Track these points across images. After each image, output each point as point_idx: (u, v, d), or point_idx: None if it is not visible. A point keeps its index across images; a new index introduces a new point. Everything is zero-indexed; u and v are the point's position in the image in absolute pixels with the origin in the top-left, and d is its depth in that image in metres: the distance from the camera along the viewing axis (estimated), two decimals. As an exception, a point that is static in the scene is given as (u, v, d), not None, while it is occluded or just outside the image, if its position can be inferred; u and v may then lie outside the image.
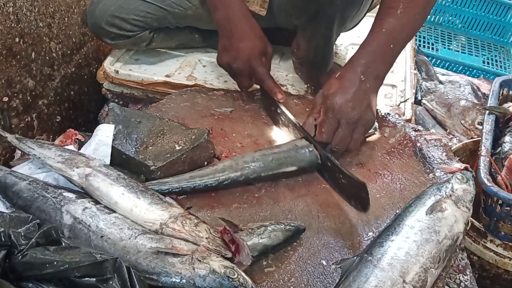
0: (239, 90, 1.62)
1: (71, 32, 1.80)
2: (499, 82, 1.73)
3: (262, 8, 1.69)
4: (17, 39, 1.48)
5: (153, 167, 1.22)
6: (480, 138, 1.54)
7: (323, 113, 1.27)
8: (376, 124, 1.42)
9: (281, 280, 1.05)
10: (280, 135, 1.43)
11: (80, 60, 1.90)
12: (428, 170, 1.32)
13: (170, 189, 1.20)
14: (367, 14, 1.83)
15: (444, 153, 1.36)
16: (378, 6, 1.45)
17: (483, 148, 1.46)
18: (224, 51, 1.48)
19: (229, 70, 1.50)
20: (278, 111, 1.45)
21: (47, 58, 1.67)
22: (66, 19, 1.75)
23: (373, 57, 1.28)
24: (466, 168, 1.23)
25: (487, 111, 1.61)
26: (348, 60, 1.31)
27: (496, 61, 2.66)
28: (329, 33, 1.57)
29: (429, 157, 1.36)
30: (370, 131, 1.40)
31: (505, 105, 1.67)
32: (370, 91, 1.27)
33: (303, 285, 1.04)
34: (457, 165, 1.30)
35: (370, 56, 1.28)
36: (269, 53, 1.50)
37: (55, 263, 0.81)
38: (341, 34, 1.89)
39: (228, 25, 1.46)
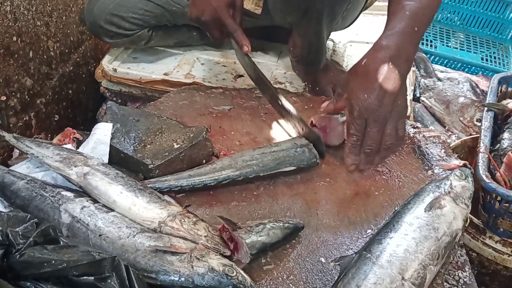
0: (237, 88, 1.62)
1: (69, 31, 1.80)
2: (497, 79, 1.72)
3: (257, 6, 1.69)
4: (14, 38, 1.48)
5: (151, 165, 1.22)
6: (478, 135, 1.53)
7: (348, 113, 1.18)
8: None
9: (280, 278, 1.05)
10: (279, 133, 1.43)
11: (78, 59, 1.90)
12: (426, 167, 1.32)
13: (169, 188, 1.20)
14: (365, 12, 1.83)
15: (443, 150, 1.37)
16: (374, 4, 1.45)
17: (481, 145, 1.46)
18: (193, 5, 1.47)
19: (199, 23, 1.48)
20: (248, 62, 1.50)
21: (45, 57, 1.66)
22: (63, 17, 1.75)
23: (401, 39, 1.18)
24: (464, 165, 1.23)
25: (486, 108, 1.61)
26: (374, 43, 1.20)
27: (495, 58, 2.65)
28: (319, 29, 1.57)
29: (427, 154, 1.36)
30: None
31: (504, 102, 1.66)
32: (399, 79, 1.15)
33: (302, 282, 1.04)
34: (456, 162, 1.30)
35: (398, 38, 1.18)
36: (238, 6, 1.46)
37: (53, 262, 0.81)
38: (339, 32, 1.89)
39: None
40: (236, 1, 1.46)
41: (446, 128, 2.05)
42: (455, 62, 2.59)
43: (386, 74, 1.14)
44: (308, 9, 1.53)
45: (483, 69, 2.54)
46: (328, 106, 1.28)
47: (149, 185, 1.17)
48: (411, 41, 1.20)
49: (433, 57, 2.59)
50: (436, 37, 2.74)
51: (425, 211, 1.08)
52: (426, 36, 2.72)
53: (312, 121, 1.35)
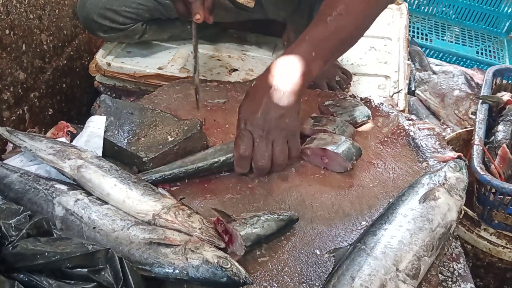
0: (232, 82, 1.61)
1: (62, 24, 1.79)
2: (492, 72, 1.73)
3: (250, 0, 1.69)
4: (7, 31, 1.47)
5: (146, 158, 1.21)
6: (473, 128, 1.54)
7: (236, 127, 1.22)
8: (369, 112, 1.42)
9: (274, 270, 1.04)
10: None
11: (71, 53, 1.89)
12: (421, 159, 1.32)
13: (163, 176, 1.20)
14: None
15: (437, 142, 1.36)
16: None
17: (476, 137, 1.46)
18: None
19: None
20: (194, 33, 1.47)
21: (38, 50, 1.66)
22: (57, 11, 1.74)
23: (291, 65, 1.19)
24: (459, 157, 1.23)
25: (480, 101, 1.61)
26: (267, 67, 1.23)
27: (490, 51, 2.66)
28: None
29: (422, 146, 1.36)
30: (363, 119, 1.41)
31: (498, 94, 1.67)
32: (284, 99, 1.17)
33: (296, 274, 1.04)
34: (450, 153, 1.30)
35: (287, 63, 1.20)
36: None
37: (46, 254, 0.81)
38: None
39: None
40: None
41: (441, 121, 2.05)
42: (450, 56, 2.60)
43: (271, 94, 1.17)
44: (301, 3, 1.52)
45: (478, 63, 2.55)
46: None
47: (143, 178, 1.16)
48: (304, 67, 1.19)
49: (428, 50, 2.60)
50: (432, 31, 2.75)
51: (419, 203, 1.07)
52: (422, 30, 2.73)
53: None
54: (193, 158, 1.24)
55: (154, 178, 1.19)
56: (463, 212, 1.14)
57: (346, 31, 1.24)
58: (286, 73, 1.19)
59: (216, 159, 1.24)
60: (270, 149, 1.20)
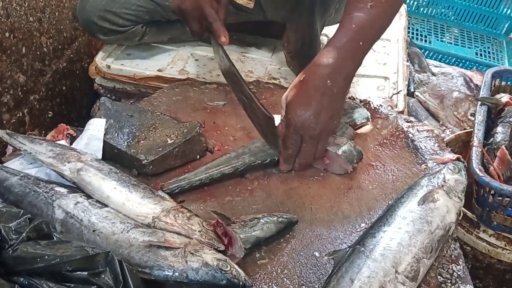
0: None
1: (62, 27, 1.79)
2: (491, 73, 1.73)
3: (250, 0, 1.69)
4: (7, 34, 1.47)
5: (145, 161, 1.22)
6: (472, 129, 1.54)
7: (284, 127, 1.21)
8: (368, 114, 1.42)
9: (274, 272, 1.05)
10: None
11: (71, 55, 1.89)
12: (420, 161, 1.32)
13: (189, 184, 1.21)
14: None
15: (436, 144, 1.37)
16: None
17: (475, 138, 1.46)
18: None
19: (179, 13, 1.43)
20: (221, 55, 1.42)
21: (38, 53, 1.66)
22: (56, 13, 1.74)
23: (342, 55, 1.18)
24: (458, 159, 1.23)
25: (479, 102, 1.62)
26: (315, 57, 1.21)
27: (489, 52, 2.67)
28: (312, 21, 1.56)
29: (421, 148, 1.36)
30: (362, 121, 1.41)
31: (497, 96, 1.67)
32: (336, 97, 1.18)
33: (296, 276, 1.04)
34: (449, 155, 1.30)
35: (339, 54, 1.18)
36: (223, 1, 1.42)
37: (46, 257, 0.81)
38: (334, 26, 1.89)
39: None
40: None
41: (440, 122, 2.06)
42: (450, 57, 2.60)
43: (323, 92, 1.16)
44: (299, 2, 1.52)
45: (477, 64, 2.56)
46: (279, 129, 1.27)
47: (170, 187, 1.18)
48: (353, 56, 1.20)
49: (427, 52, 2.60)
50: (431, 32, 2.75)
51: (418, 205, 1.08)
52: (421, 31, 2.74)
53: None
54: (216, 162, 1.25)
55: (180, 187, 1.20)
56: (462, 214, 1.14)
57: (385, 18, 1.26)
58: (338, 68, 1.17)
59: (241, 162, 1.25)
60: (315, 148, 1.22)
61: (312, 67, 1.20)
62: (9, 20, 1.47)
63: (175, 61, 1.88)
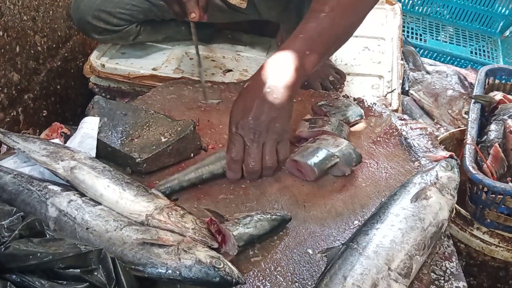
0: (226, 82, 1.62)
1: (56, 26, 1.79)
2: (484, 71, 1.73)
3: (242, 0, 1.70)
4: (0, 33, 1.47)
5: (139, 159, 1.22)
6: (466, 127, 1.54)
7: (228, 130, 1.22)
8: (361, 112, 1.42)
9: (267, 270, 1.05)
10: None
11: (66, 54, 1.89)
12: (413, 159, 1.33)
13: (180, 185, 1.21)
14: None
15: (429, 142, 1.37)
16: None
17: (468, 136, 1.47)
18: None
19: None
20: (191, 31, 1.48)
21: (32, 51, 1.66)
22: (50, 12, 1.74)
23: (284, 64, 1.18)
24: (451, 156, 1.24)
25: (473, 100, 1.62)
26: (261, 65, 1.22)
27: (484, 51, 2.67)
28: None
29: (414, 145, 1.36)
30: (356, 119, 1.41)
31: (491, 94, 1.67)
32: (277, 102, 1.16)
33: (289, 274, 1.04)
34: (442, 153, 1.30)
35: (281, 62, 1.19)
36: None
37: (39, 254, 0.81)
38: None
39: None
40: None
41: (435, 120, 2.06)
42: (445, 56, 2.61)
43: (262, 98, 1.16)
44: (289, 3, 1.52)
45: (472, 62, 2.56)
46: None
47: (159, 188, 1.18)
48: (298, 66, 1.18)
49: (422, 50, 2.60)
50: (426, 31, 2.76)
51: (411, 202, 1.08)
52: (416, 30, 2.74)
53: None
54: (205, 162, 1.24)
55: (171, 188, 1.20)
56: (454, 211, 1.14)
57: (339, 26, 1.23)
58: (280, 73, 1.18)
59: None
60: (261, 152, 1.20)
61: (255, 76, 1.21)
62: (2, 19, 1.47)
63: (170, 60, 1.88)
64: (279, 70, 1.18)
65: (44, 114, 1.76)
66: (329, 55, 1.29)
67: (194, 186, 1.23)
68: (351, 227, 1.15)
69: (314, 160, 1.23)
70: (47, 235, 0.89)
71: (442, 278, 1.09)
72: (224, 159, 1.23)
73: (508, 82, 1.76)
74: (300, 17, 1.51)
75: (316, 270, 1.05)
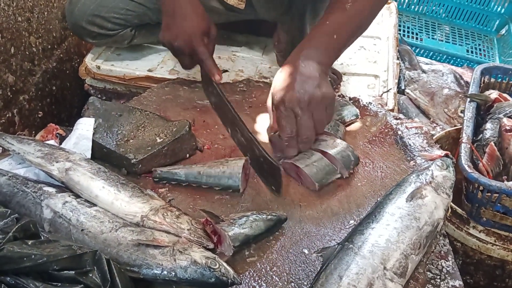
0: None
1: (51, 27, 1.79)
2: (480, 70, 1.74)
3: (241, 1, 1.69)
4: (-5, 34, 1.47)
5: (134, 160, 1.21)
6: (462, 126, 1.54)
7: (275, 111, 1.23)
8: (357, 111, 1.43)
9: (263, 270, 1.05)
10: (263, 126, 1.43)
11: (61, 55, 1.89)
12: (409, 158, 1.33)
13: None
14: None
15: (425, 141, 1.37)
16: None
17: (464, 135, 1.47)
18: (167, 29, 1.45)
19: (171, 48, 1.47)
20: (215, 92, 1.44)
21: (27, 53, 1.65)
22: (45, 13, 1.74)
23: (314, 46, 1.24)
24: (446, 155, 1.24)
25: (469, 99, 1.62)
26: (293, 51, 1.28)
27: (480, 50, 2.68)
28: (302, 25, 1.57)
29: (410, 144, 1.37)
30: (351, 118, 1.41)
31: (486, 93, 1.68)
32: (313, 73, 1.20)
33: (285, 274, 1.04)
34: (438, 152, 1.31)
35: (311, 45, 1.25)
36: (212, 34, 1.47)
37: (33, 256, 0.81)
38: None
39: (172, 3, 1.44)
40: (211, 31, 1.46)
41: (431, 119, 2.06)
42: (441, 54, 2.61)
43: (300, 72, 1.20)
44: (291, 6, 1.52)
45: (468, 61, 2.56)
46: (271, 127, 1.29)
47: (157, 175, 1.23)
48: (326, 48, 1.25)
49: (418, 49, 2.61)
50: (422, 30, 2.76)
51: (406, 201, 1.08)
52: (412, 29, 2.74)
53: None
54: (208, 171, 1.23)
55: (167, 181, 1.23)
56: (450, 210, 1.14)
57: (363, 17, 1.32)
58: (312, 52, 1.23)
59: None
60: (312, 121, 1.21)
61: (289, 58, 1.26)
62: (-3, 20, 1.47)
63: (165, 61, 1.88)
64: (311, 49, 1.23)
65: (39, 116, 1.76)
66: (352, 42, 1.35)
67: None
68: (347, 226, 1.15)
69: (318, 175, 1.23)
70: (42, 237, 0.89)
71: (438, 277, 1.09)
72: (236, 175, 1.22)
73: (503, 81, 1.76)
74: (303, 21, 1.52)
75: (312, 270, 1.05)
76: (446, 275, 1.10)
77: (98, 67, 1.81)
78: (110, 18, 1.70)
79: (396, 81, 1.82)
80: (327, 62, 1.25)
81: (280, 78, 1.23)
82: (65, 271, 0.83)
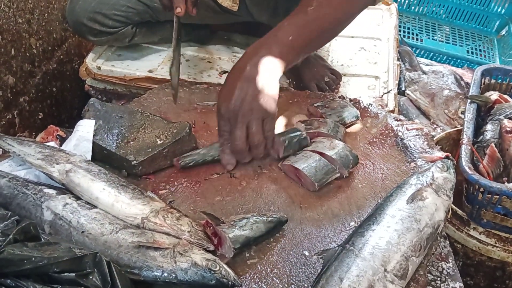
0: (222, 83, 1.61)
1: (51, 28, 1.79)
2: (480, 71, 1.73)
3: (234, 3, 1.70)
4: (-5, 36, 1.47)
5: (135, 161, 1.21)
6: (462, 127, 1.54)
7: (217, 116, 1.24)
8: (357, 112, 1.43)
9: (263, 272, 1.05)
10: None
11: (61, 56, 1.89)
12: (409, 159, 1.33)
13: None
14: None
15: (425, 142, 1.37)
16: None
17: (464, 136, 1.47)
18: None
19: None
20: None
21: (27, 54, 1.66)
22: (46, 14, 1.74)
23: (265, 47, 1.21)
24: (447, 157, 1.24)
25: (469, 100, 1.62)
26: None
27: (480, 50, 2.68)
28: None
29: (410, 146, 1.36)
30: (352, 120, 1.41)
31: (487, 94, 1.67)
32: (259, 81, 1.18)
33: (285, 276, 1.04)
34: (438, 153, 1.30)
35: (263, 47, 1.21)
36: None
37: (34, 259, 0.81)
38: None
39: None
40: None
41: (431, 121, 2.06)
42: (441, 55, 2.61)
43: (245, 79, 1.18)
44: (277, 6, 1.52)
45: (468, 62, 2.56)
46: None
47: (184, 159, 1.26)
48: (279, 50, 1.21)
49: (419, 50, 2.61)
50: (422, 31, 2.76)
51: (407, 203, 1.08)
52: (412, 30, 2.75)
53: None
54: None
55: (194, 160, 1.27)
56: (450, 211, 1.14)
57: (325, 21, 1.26)
58: (261, 55, 1.19)
59: None
60: (245, 132, 1.20)
61: (238, 61, 1.24)
62: (-3, 21, 1.47)
63: (166, 62, 1.88)
64: (261, 52, 1.20)
65: (40, 117, 1.76)
66: (312, 49, 1.33)
67: (217, 162, 1.29)
68: (347, 228, 1.15)
69: (317, 175, 1.22)
70: (42, 239, 0.89)
71: (439, 278, 1.09)
72: None
73: (504, 82, 1.76)
74: None
75: (312, 272, 1.05)
76: (447, 277, 1.10)
77: (99, 68, 1.81)
78: (111, 15, 1.71)
79: (397, 82, 1.83)
80: (277, 64, 1.21)
81: (227, 78, 1.23)
82: (65, 273, 0.83)
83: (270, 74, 1.19)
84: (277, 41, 1.21)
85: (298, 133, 1.32)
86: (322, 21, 1.26)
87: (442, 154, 1.27)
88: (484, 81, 1.75)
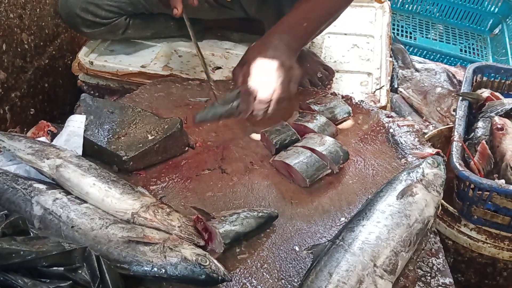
0: (215, 80, 1.61)
1: (43, 23, 1.78)
2: (472, 69, 1.74)
3: None
4: (-14, 31, 1.46)
5: (125, 157, 1.21)
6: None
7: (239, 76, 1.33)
8: (349, 109, 1.43)
9: (254, 267, 1.05)
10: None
11: (54, 52, 1.88)
12: (400, 156, 1.33)
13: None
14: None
15: (416, 139, 1.38)
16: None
17: (455, 133, 1.47)
18: None
19: None
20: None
21: (19, 49, 1.65)
22: (38, 10, 1.73)
23: (283, 31, 1.34)
24: (437, 153, 1.24)
25: (460, 98, 1.62)
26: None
27: (473, 49, 2.68)
28: (281, 14, 1.57)
29: (401, 142, 1.37)
30: (344, 116, 1.42)
31: (478, 91, 1.68)
32: (278, 55, 1.28)
33: (275, 271, 1.04)
34: (429, 150, 1.31)
35: (280, 30, 1.34)
36: None
37: (22, 253, 0.81)
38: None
39: None
40: None
41: (424, 118, 2.06)
42: (434, 54, 2.61)
43: (265, 52, 1.29)
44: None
45: (461, 60, 2.57)
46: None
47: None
48: (294, 33, 1.35)
49: (412, 48, 2.61)
50: (416, 29, 2.77)
51: (397, 199, 1.08)
52: (406, 28, 2.75)
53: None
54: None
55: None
56: (440, 207, 1.14)
57: (330, 3, 1.42)
58: (279, 37, 1.31)
59: None
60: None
61: (256, 42, 1.37)
62: (-12, 16, 1.46)
63: (159, 58, 1.87)
64: (279, 34, 1.33)
65: (31, 113, 1.75)
66: (322, 28, 1.46)
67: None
68: (338, 224, 1.15)
69: (308, 172, 1.23)
70: (31, 233, 0.88)
71: (429, 274, 1.09)
72: None
73: (495, 80, 1.76)
74: (280, 12, 1.52)
75: (302, 267, 1.06)
76: (437, 273, 1.10)
77: (91, 63, 1.80)
78: (104, 6, 1.71)
79: (389, 78, 1.83)
80: (294, 45, 1.34)
81: (245, 54, 1.35)
82: (54, 268, 0.83)
83: (287, 52, 1.31)
84: (292, 26, 1.35)
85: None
86: (327, 5, 1.41)
87: (432, 150, 1.28)
88: (476, 79, 1.75)
